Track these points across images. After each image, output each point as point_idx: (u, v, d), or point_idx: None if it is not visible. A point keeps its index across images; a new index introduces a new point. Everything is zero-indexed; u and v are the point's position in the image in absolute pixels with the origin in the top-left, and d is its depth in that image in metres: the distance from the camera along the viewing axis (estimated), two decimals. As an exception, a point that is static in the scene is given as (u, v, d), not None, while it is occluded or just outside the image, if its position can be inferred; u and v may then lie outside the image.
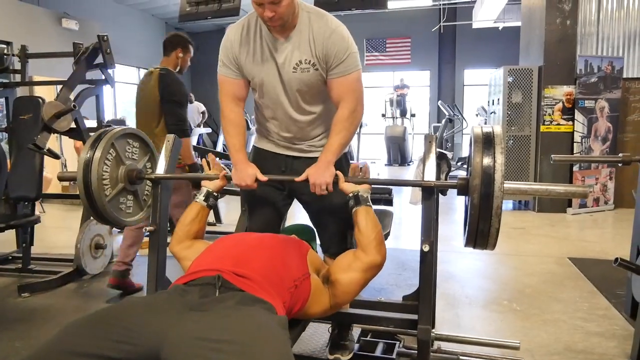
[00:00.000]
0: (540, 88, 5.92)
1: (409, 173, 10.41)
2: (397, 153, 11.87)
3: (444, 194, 1.92)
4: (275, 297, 1.37)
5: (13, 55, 4.30)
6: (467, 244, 1.68)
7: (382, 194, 2.72)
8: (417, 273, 1.77)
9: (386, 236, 2.17)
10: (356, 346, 2.21)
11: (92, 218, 3.40)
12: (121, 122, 7.99)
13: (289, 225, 2.16)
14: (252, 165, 1.89)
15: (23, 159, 3.64)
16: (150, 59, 12.94)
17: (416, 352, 1.81)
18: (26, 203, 3.72)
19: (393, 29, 13.64)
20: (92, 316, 1.20)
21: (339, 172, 1.80)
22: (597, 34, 6.47)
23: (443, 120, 11.45)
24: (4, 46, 4.27)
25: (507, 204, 6.48)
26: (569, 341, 2.58)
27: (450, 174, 2.01)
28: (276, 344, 1.12)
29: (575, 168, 5.87)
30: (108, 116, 8.66)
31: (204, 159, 2.09)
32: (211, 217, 4.68)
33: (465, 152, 12.02)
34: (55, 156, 3.70)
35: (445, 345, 2.19)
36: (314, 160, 1.88)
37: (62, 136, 5.11)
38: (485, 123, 8.34)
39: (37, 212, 5.83)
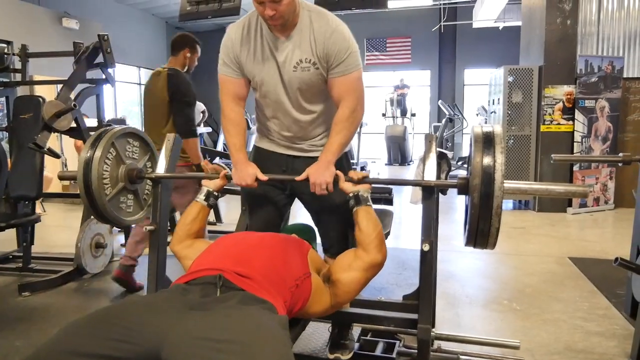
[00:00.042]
0: (540, 88, 5.92)
1: (409, 172, 10.41)
2: (398, 153, 11.87)
3: (444, 193, 1.93)
4: (276, 297, 1.37)
5: (13, 54, 4.31)
6: (467, 244, 1.68)
7: (383, 194, 2.73)
8: (417, 272, 1.77)
9: (386, 235, 2.16)
10: (356, 345, 2.21)
11: (92, 217, 3.40)
12: (122, 121, 7.98)
13: (290, 225, 2.16)
14: (252, 164, 1.89)
15: (23, 158, 3.64)
16: (150, 58, 12.99)
17: (416, 351, 1.81)
18: (26, 202, 3.72)
19: (393, 29, 13.64)
20: (93, 316, 1.20)
21: (339, 172, 1.80)
22: (598, 33, 6.47)
23: (443, 120, 11.45)
24: (5, 45, 4.28)
25: (507, 204, 6.48)
26: (569, 341, 2.58)
27: (451, 173, 2.01)
28: (276, 344, 1.12)
29: (576, 168, 5.87)
30: (108, 115, 8.67)
31: (205, 160, 2.10)
32: (211, 217, 4.68)
33: (465, 152, 12.03)
34: (56, 155, 3.71)
35: (446, 345, 2.19)
36: (314, 159, 1.88)
37: (63, 135, 5.12)
38: (486, 123, 8.35)
39: (38, 212, 5.87)
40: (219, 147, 9.59)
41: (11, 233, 4.03)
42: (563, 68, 5.86)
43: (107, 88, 4.04)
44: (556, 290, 3.34)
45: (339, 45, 1.76)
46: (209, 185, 1.89)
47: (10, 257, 4.07)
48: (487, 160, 1.54)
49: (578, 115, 5.83)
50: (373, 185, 1.85)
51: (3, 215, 3.61)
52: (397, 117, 12.58)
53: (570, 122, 5.87)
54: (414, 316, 1.77)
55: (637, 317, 2.30)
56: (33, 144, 3.26)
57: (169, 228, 2.43)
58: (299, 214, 2.49)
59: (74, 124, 3.62)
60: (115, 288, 3.50)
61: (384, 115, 12.65)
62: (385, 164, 11.92)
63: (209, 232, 3.33)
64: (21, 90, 4.60)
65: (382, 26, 13.45)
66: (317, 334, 2.41)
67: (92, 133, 2.11)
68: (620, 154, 2.51)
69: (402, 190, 6.25)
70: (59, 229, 5.43)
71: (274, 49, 1.80)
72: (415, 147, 12.25)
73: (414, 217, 5.61)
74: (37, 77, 6.31)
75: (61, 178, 2.14)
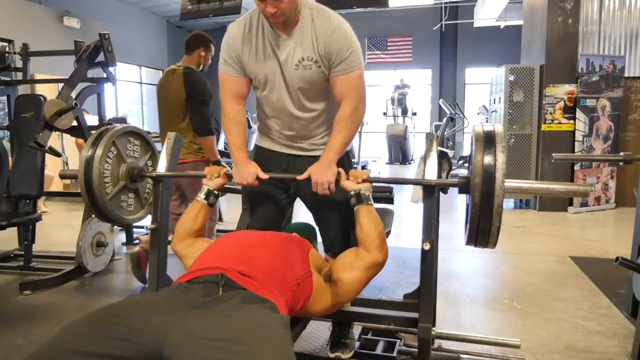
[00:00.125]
0: (541, 87, 5.91)
1: (410, 171, 10.41)
2: (399, 151, 11.87)
3: (445, 192, 1.92)
4: (278, 296, 1.37)
5: (14, 53, 4.31)
6: (468, 243, 1.68)
7: (383, 193, 2.72)
8: (418, 271, 1.77)
9: (387, 235, 2.16)
10: (357, 344, 2.21)
11: (93, 216, 3.41)
12: (123, 120, 7.98)
13: (291, 224, 2.16)
14: (252, 163, 1.89)
15: (24, 156, 3.64)
16: (151, 57, 13.01)
17: (417, 350, 1.81)
18: (27, 201, 3.73)
19: (394, 28, 13.64)
20: (94, 314, 1.20)
21: (340, 170, 1.80)
22: (599, 32, 6.46)
23: (444, 119, 11.45)
24: (6, 44, 4.28)
25: (508, 203, 6.48)
26: (570, 340, 2.58)
27: (452, 172, 2.01)
28: (278, 343, 1.12)
29: (577, 167, 5.87)
30: (109, 114, 8.68)
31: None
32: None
33: (466, 151, 12.02)
34: (57, 154, 3.71)
35: (446, 344, 2.19)
36: (315, 158, 1.88)
37: (64, 134, 5.12)
38: (487, 122, 8.34)
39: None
40: (220, 146, 9.59)
41: (12, 232, 4.03)
42: (564, 67, 5.86)
43: (108, 87, 4.05)
44: (557, 290, 3.34)
45: (341, 44, 1.76)
46: (209, 184, 1.89)
47: (12, 255, 4.08)
48: (488, 159, 1.54)
49: (579, 114, 5.83)
50: (374, 184, 1.84)
51: (4, 214, 3.61)
52: (398, 116, 12.58)
53: (572, 121, 5.87)
54: (415, 315, 1.77)
55: (638, 316, 2.30)
56: (34, 142, 3.27)
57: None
58: (300, 213, 2.49)
59: (75, 123, 3.63)
60: (116, 287, 3.51)
61: (385, 114, 12.65)
62: (386, 163, 11.92)
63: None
64: (22, 89, 4.61)
65: (383, 25, 13.45)
66: (318, 332, 2.41)
67: (93, 132, 2.11)
68: (622, 153, 2.51)
69: (403, 189, 6.25)
70: (60, 228, 5.44)
71: (276, 47, 1.80)
72: (416, 146, 12.25)
73: (414, 216, 5.61)
74: (38, 76, 6.31)
75: (62, 177, 2.15)
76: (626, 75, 6.13)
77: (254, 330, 1.13)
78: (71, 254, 3.70)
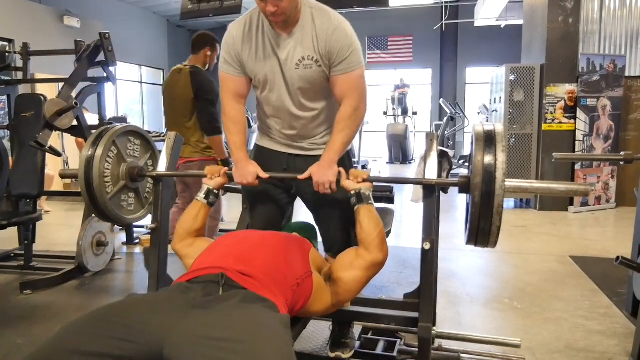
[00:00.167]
0: (542, 86, 5.91)
1: (410, 171, 10.41)
2: (399, 151, 11.87)
3: (445, 192, 1.92)
4: (278, 295, 1.37)
5: (15, 52, 4.31)
6: (468, 242, 1.68)
7: (384, 192, 2.72)
8: (418, 271, 1.77)
9: (387, 234, 2.16)
10: (357, 344, 2.21)
11: (93, 215, 3.41)
12: (123, 119, 7.98)
13: (291, 223, 2.16)
14: (253, 162, 1.89)
15: (25, 156, 3.64)
16: (151, 56, 13.01)
17: (417, 350, 1.81)
18: (28, 200, 3.73)
19: (395, 27, 13.63)
20: (94, 314, 1.20)
21: (341, 169, 1.80)
22: (600, 32, 6.46)
23: (445, 119, 11.43)
24: (6, 44, 4.28)
25: (509, 202, 6.48)
26: (570, 339, 2.58)
27: (452, 172, 2.01)
28: (278, 343, 1.12)
29: (577, 166, 5.86)
30: (110, 114, 8.68)
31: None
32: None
33: (466, 151, 12.01)
34: (57, 154, 3.72)
35: (446, 343, 2.19)
36: (315, 158, 1.88)
37: (64, 134, 5.12)
38: (487, 121, 8.34)
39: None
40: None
41: (13, 231, 4.04)
42: (565, 66, 5.85)
43: (108, 86, 4.05)
44: (557, 289, 3.34)
45: (342, 43, 1.75)
46: (209, 183, 1.89)
47: (12, 255, 4.08)
48: (488, 158, 1.54)
49: (580, 113, 5.83)
50: (374, 183, 1.84)
51: (4, 214, 3.61)
52: (398, 116, 12.58)
53: (572, 121, 5.87)
54: (415, 315, 1.77)
55: (638, 316, 2.30)
56: (34, 142, 3.27)
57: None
58: (300, 212, 2.49)
59: (75, 122, 3.63)
60: (117, 286, 3.52)
61: (385, 113, 12.65)
62: (387, 163, 11.92)
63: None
64: (22, 89, 4.61)
65: (384, 24, 13.44)
66: (318, 332, 2.41)
67: (93, 131, 2.11)
68: (622, 153, 2.51)
69: (403, 189, 6.24)
70: (60, 227, 5.44)
71: (276, 46, 1.79)
72: (417, 145, 12.24)
73: (415, 216, 5.61)
74: (38, 76, 6.31)
75: (62, 176, 2.15)
76: (627, 74, 6.12)
77: (254, 330, 1.13)
78: (71, 254, 3.70)
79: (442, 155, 1.86)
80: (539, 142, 5.99)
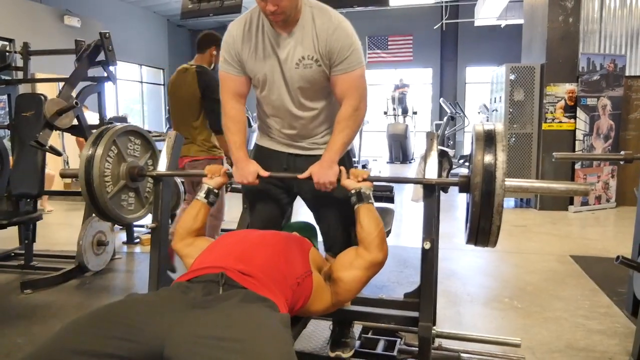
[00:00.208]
0: (542, 86, 5.91)
1: (410, 171, 10.41)
2: (399, 150, 11.87)
3: (446, 191, 1.92)
4: (278, 295, 1.37)
5: (15, 52, 4.32)
6: (468, 242, 1.68)
7: (384, 192, 2.73)
8: (419, 270, 1.77)
9: (387, 234, 2.16)
10: (357, 343, 2.21)
11: (93, 215, 3.41)
12: (123, 119, 7.99)
13: (291, 223, 2.16)
14: (253, 162, 1.89)
15: (25, 156, 3.65)
16: (152, 56, 13.01)
17: (417, 349, 1.81)
18: (28, 200, 3.73)
19: (395, 27, 13.63)
20: (94, 314, 1.20)
21: (342, 168, 1.80)
22: (600, 31, 6.45)
23: (445, 118, 11.44)
24: (6, 43, 4.28)
25: (509, 202, 6.47)
26: (571, 339, 2.58)
27: (452, 171, 2.01)
28: (278, 342, 1.12)
29: (577, 166, 5.86)
30: (110, 113, 8.68)
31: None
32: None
33: (466, 150, 12.02)
34: (57, 153, 3.72)
35: (447, 343, 2.19)
36: (315, 157, 1.88)
37: (64, 133, 5.12)
38: (487, 121, 8.33)
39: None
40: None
41: (13, 230, 4.04)
42: (565, 66, 5.85)
43: (108, 86, 4.05)
44: (557, 289, 3.34)
45: (342, 42, 1.75)
46: (209, 183, 1.89)
47: (12, 254, 4.08)
48: (488, 158, 1.54)
49: (580, 113, 5.83)
50: (374, 183, 1.84)
51: (5, 213, 3.62)
52: (398, 115, 12.58)
53: (572, 120, 5.87)
54: (415, 314, 1.77)
55: (639, 315, 2.30)
56: (35, 141, 3.27)
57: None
58: (300, 212, 2.49)
59: (75, 122, 3.63)
60: (117, 286, 3.52)
61: (385, 113, 12.65)
62: (387, 162, 11.93)
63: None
64: (23, 88, 4.61)
65: (384, 24, 13.43)
66: (318, 332, 2.41)
67: (93, 131, 2.11)
68: (622, 152, 2.51)
69: (403, 188, 6.25)
70: (60, 227, 5.45)
71: (276, 46, 1.79)
72: (417, 145, 12.24)
73: (415, 215, 5.61)
74: (38, 75, 6.31)
75: (63, 176, 2.15)
76: (627, 74, 6.12)
77: (254, 329, 1.13)
78: (72, 253, 3.70)
79: (442, 155, 1.86)
80: (539, 142, 5.99)
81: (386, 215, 2.72)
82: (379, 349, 2.24)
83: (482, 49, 13.05)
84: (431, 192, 1.75)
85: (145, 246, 4.39)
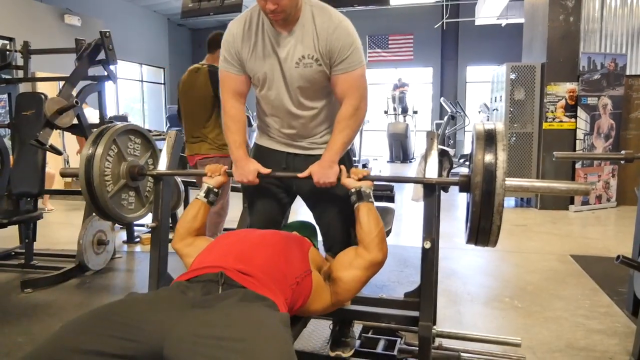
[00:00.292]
0: (543, 85, 5.91)
1: (411, 170, 10.40)
2: (399, 150, 11.87)
3: (446, 191, 1.92)
4: (278, 294, 1.37)
5: (15, 51, 4.32)
6: (468, 241, 1.68)
7: (384, 191, 2.72)
8: (419, 270, 1.77)
9: (388, 233, 2.16)
10: (357, 343, 2.21)
11: (94, 214, 3.41)
12: (124, 118, 7.99)
13: (291, 222, 2.16)
14: (253, 161, 1.89)
15: (25, 155, 3.65)
16: (152, 55, 13.01)
17: (417, 349, 1.81)
18: (28, 199, 3.73)
19: (395, 26, 13.62)
20: (94, 313, 1.20)
21: (342, 167, 1.80)
22: (601, 30, 6.45)
23: (445, 117, 11.43)
24: (7, 42, 4.28)
25: (509, 201, 6.47)
26: (571, 338, 2.58)
27: (452, 171, 2.01)
28: (278, 342, 1.12)
29: (578, 165, 5.86)
30: (110, 112, 8.68)
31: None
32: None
33: (467, 149, 12.01)
34: (58, 152, 3.72)
35: (447, 342, 2.19)
36: (314, 157, 1.88)
37: (65, 132, 5.12)
38: (488, 120, 8.33)
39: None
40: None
41: (13, 230, 4.04)
42: (566, 65, 5.85)
43: (109, 85, 4.05)
44: (558, 288, 3.34)
45: (343, 42, 1.74)
46: (209, 182, 1.89)
47: (13, 253, 4.08)
48: (488, 157, 1.54)
49: (580, 112, 5.82)
50: (375, 182, 1.84)
51: (5, 212, 3.62)
52: (398, 115, 12.57)
53: (573, 120, 5.86)
54: (415, 314, 1.77)
55: (639, 315, 2.30)
56: (35, 140, 3.27)
57: (170, 225, 2.43)
58: (300, 212, 2.49)
59: (75, 121, 3.63)
60: (117, 285, 3.52)
61: (386, 112, 12.64)
62: (387, 162, 11.93)
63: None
64: (23, 87, 4.61)
65: (384, 23, 13.43)
66: (318, 331, 2.41)
67: (94, 130, 2.11)
68: (623, 152, 2.51)
69: (403, 188, 6.25)
70: (61, 226, 5.45)
71: (276, 45, 1.79)
72: (417, 144, 12.24)
73: (415, 215, 5.61)
74: (39, 74, 6.31)
75: (63, 175, 2.14)
76: (628, 73, 6.12)
77: (254, 329, 1.13)
78: (72, 252, 3.70)
79: (442, 154, 1.86)
80: (539, 141, 5.98)
81: (386, 215, 2.72)
82: (379, 349, 2.24)
83: (482, 48, 13.04)
84: (431, 191, 1.75)
85: (146, 245, 4.39)
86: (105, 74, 3.91)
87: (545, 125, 5.91)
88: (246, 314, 1.21)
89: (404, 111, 12.51)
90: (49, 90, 5.43)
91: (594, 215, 5.79)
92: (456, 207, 5.85)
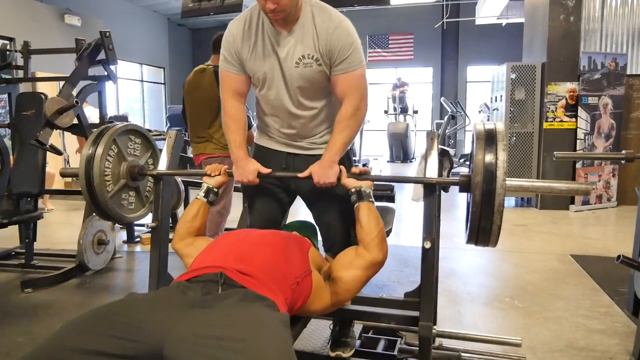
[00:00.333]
0: (543, 85, 5.90)
1: (411, 170, 10.40)
2: (400, 150, 11.86)
3: (446, 190, 1.92)
4: (277, 294, 1.37)
5: (16, 51, 4.31)
6: (468, 241, 1.68)
7: (384, 191, 2.72)
8: (419, 270, 1.77)
9: (388, 233, 2.16)
10: (358, 343, 2.21)
11: (94, 214, 3.41)
12: (124, 118, 7.99)
13: (291, 222, 2.16)
14: (253, 160, 1.88)
15: (26, 154, 3.65)
16: (152, 55, 13.01)
17: (418, 348, 1.81)
18: (29, 199, 3.73)
19: (396, 25, 13.62)
20: (94, 313, 1.20)
21: (342, 167, 1.79)
22: (601, 30, 6.44)
23: (445, 117, 11.42)
24: (7, 42, 4.28)
25: (509, 201, 6.47)
26: (571, 338, 2.58)
27: (453, 170, 2.00)
28: (278, 342, 1.12)
29: (578, 165, 5.86)
30: (111, 112, 8.68)
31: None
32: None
33: (467, 149, 12.00)
34: (58, 152, 3.72)
35: (447, 342, 2.19)
36: (314, 157, 1.88)
37: (65, 132, 5.12)
38: (488, 120, 8.33)
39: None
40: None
41: (13, 229, 4.04)
42: (566, 65, 5.84)
43: (109, 85, 4.05)
44: (558, 288, 3.34)
45: (343, 41, 1.74)
46: (209, 182, 1.89)
47: (13, 253, 4.08)
48: (489, 157, 1.54)
49: (581, 112, 5.82)
50: (375, 182, 1.84)
51: (5, 212, 3.62)
52: (399, 114, 12.57)
53: (573, 119, 5.86)
54: (416, 314, 1.76)
55: (639, 315, 2.30)
56: (35, 140, 3.27)
57: (171, 225, 2.43)
58: (300, 212, 2.49)
59: (75, 121, 3.63)
60: (117, 285, 3.52)
61: (386, 112, 12.64)
62: (388, 161, 11.92)
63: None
64: (23, 87, 4.61)
65: (385, 23, 13.43)
66: (319, 331, 2.41)
67: (94, 130, 2.11)
68: (623, 152, 2.51)
69: (404, 188, 6.24)
70: (61, 226, 5.45)
71: (276, 44, 1.78)
72: (418, 144, 12.24)
73: (415, 215, 5.61)
74: (39, 74, 6.31)
75: (63, 175, 2.14)
76: (628, 73, 6.12)
77: (254, 329, 1.13)
78: (72, 252, 3.70)
79: (442, 154, 1.85)
80: (540, 141, 5.98)
81: (387, 215, 2.72)
82: (380, 349, 2.24)
83: (483, 48, 13.03)
84: (432, 191, 1.74)
85: (146, 245, 4.39)
86: (106, 73, 3.91)
87: (545, 125, 5.91)
88: (246, 314, 1.21)
89: (404, 111, 12.50)
90: (49, 90, 5.43)
91: (595, 215, 5.79)
92: (456, 207, 5.85)
